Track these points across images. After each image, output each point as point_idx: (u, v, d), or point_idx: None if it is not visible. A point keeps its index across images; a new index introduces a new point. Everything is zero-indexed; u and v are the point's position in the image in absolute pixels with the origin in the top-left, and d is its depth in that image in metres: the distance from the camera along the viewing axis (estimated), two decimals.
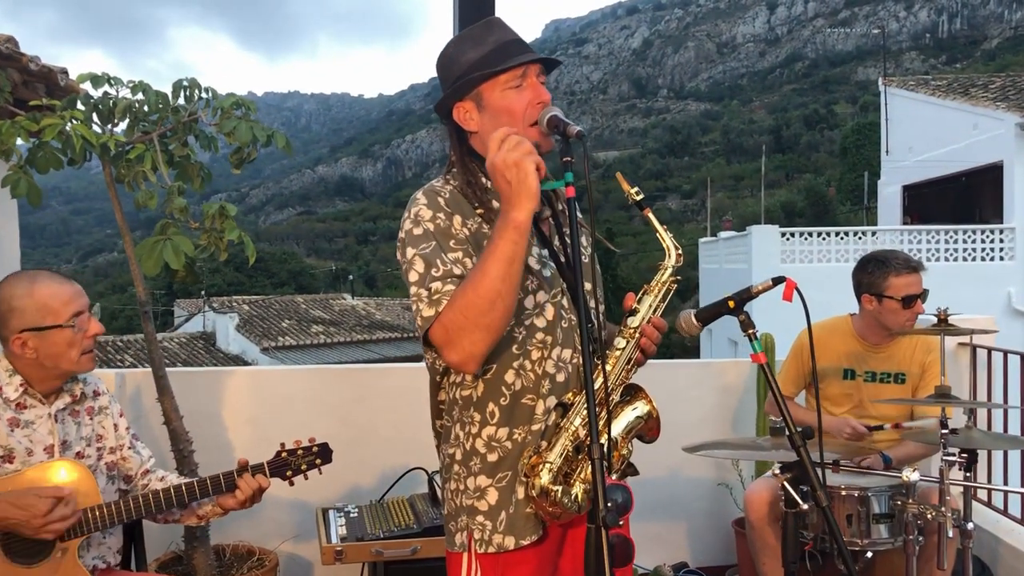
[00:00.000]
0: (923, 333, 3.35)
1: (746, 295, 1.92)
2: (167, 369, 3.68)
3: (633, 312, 2.03)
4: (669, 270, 2.04)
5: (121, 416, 2.68)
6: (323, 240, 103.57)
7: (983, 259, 17.05)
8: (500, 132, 1.81)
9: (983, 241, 17.27)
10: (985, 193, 19.48)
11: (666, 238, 2.03)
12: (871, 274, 3.58)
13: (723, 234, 21.95)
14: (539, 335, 2.00)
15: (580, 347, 2.04)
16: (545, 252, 2.06)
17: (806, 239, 17.82)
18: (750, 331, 1.89)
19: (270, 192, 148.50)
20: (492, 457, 1.98)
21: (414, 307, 1.92)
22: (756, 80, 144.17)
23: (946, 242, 17.32)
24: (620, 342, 2.02)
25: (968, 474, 2.92)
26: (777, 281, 1.88)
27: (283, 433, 3.80)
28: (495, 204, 2.02)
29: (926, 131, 21.03)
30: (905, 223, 21.45)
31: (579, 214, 2.27)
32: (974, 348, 4.24)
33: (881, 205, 24.40)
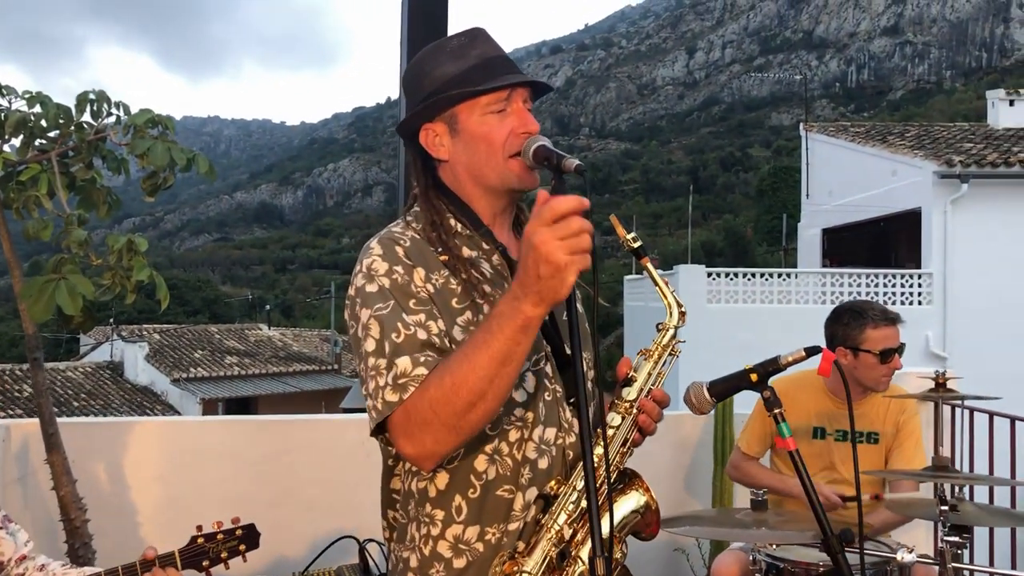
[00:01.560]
0: (916, 398, 3.11)
1: (772, 367, 1.60)
2: (62, 420, 3.21)
3: (629, 382, 1.71)
4: (671, 332, 1.73)
5: None
6: (239, 267, 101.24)
7: (903, 303, 17.30)
8: (565, 203, 1.36)
9: (903, 286, 17.55)
10: (902, 238, 19.89)
11: (668, 294, 1.72)
12: (847, 326, 3.33)
13: None
14: (518, 411, 1.64)
15: (566, 425, 1.70)
16: None
17: (731, 279, 17.86)
18: (776, 411, 1.58)
19: (186, 217, 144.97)
20: (459, 563, 1.62)
21: (371, 382, 1.55)
22: (675, 122, 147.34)
23: (867, 285, 17.55)
24: (614, 418, 1.69)
25: (959, 552, 2.67)
26: (811, 352, 1.57)
27: (194, 492, 3.35)
28: (465, 252, 1.68)
29: (845, 176, 21.43)
30: (825, 266, 21.77)
31: None
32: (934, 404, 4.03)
33: (801, 247, 24.78)
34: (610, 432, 1.68)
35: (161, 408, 25.93)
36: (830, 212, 22.02)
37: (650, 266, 1.68)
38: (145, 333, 30.50)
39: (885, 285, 17.55)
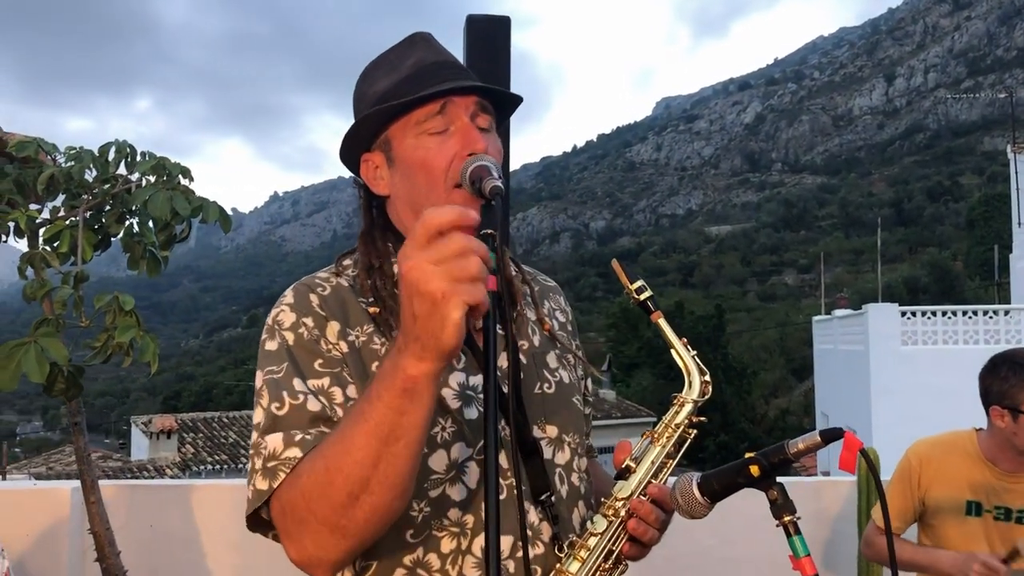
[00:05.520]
0: None
1: (778, 456, 1.14)
2: (139, 482, 3.08)
3: (625, 473, 1.29)
4: (688, 406, 1.31)
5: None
6: None
7: None
8: (440, 215, 0.99)
9: None
10: None
11: (686, 358, 1.30)
12: (1004, 379, 2.67)
13: (838, 312, 20.52)
14: (453, 513, 1.26)
15: (531, 532, 1.29)
16: (476, 381, 1.33)
17: (929, 319, 16.32)
18: (786, 519, 1.12)
19: None
20: None
21: (249, 463, 1.23)
22: (875, 152, 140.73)
23: None
24: (599, 522, 1.28)
25: None
26: (829, 437, 1.10)
27: (269, 560, 3.13)
28: None
29: None
30: None
31: (549, 318, 1.56)
32: None
33: (1014, 281, 22.51)
34: (590, 541, 1.27)
35: None
36: None
37: (662, 323, 1.29)
38: None
39: None
